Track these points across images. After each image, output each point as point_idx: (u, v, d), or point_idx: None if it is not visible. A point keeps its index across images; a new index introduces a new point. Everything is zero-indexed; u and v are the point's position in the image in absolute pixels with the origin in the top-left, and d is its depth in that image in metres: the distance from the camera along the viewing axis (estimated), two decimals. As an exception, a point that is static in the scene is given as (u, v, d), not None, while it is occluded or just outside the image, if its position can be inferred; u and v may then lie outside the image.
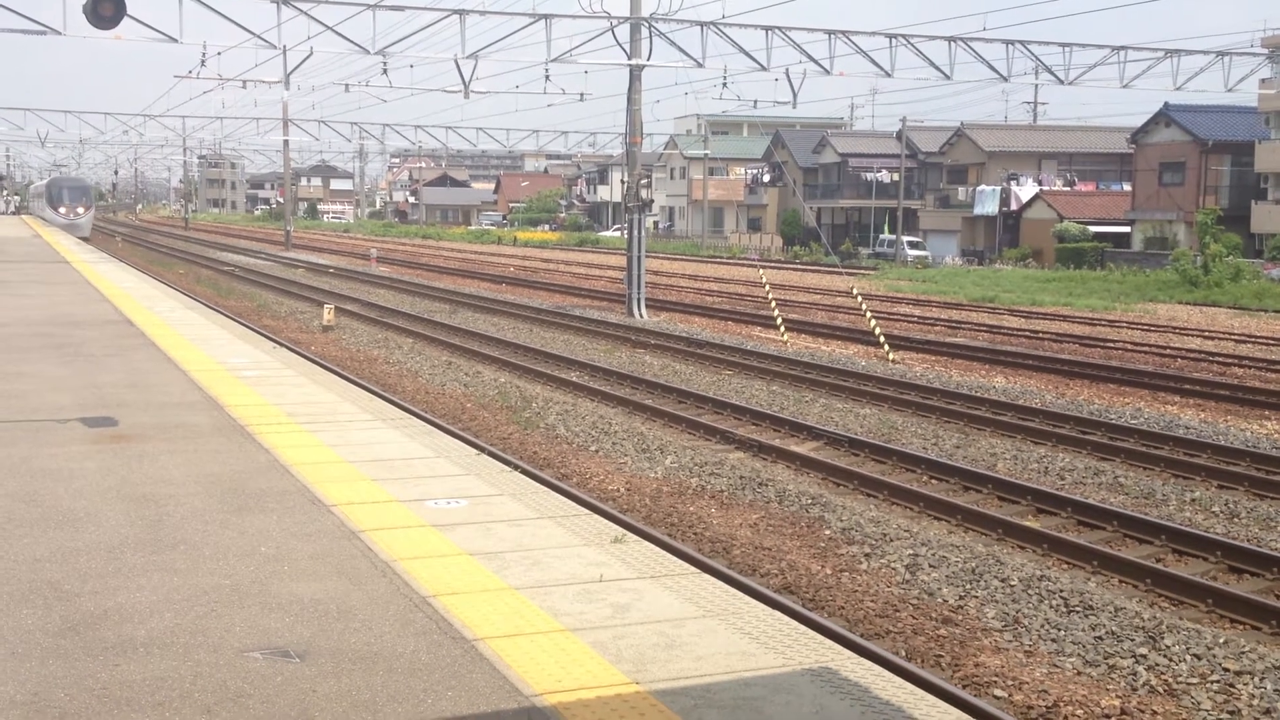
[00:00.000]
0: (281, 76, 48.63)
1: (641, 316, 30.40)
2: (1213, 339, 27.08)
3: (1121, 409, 17.37)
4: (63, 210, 66.41)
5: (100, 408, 9.20)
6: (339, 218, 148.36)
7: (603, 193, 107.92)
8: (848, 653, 4.55)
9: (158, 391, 10.04)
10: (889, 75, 32.93)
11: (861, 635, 8.21)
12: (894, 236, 64.40)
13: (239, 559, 5.48)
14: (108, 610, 4.79)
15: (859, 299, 28.17)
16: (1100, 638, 8.24)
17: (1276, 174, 51.34)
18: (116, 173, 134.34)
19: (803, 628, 4.79)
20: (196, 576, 5.22)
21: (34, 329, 14.31)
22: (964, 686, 7.44)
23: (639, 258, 31.16)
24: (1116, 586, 9.62)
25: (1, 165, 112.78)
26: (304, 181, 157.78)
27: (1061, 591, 9.12)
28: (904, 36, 32.75)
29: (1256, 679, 7.60)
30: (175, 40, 28.04)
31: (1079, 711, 7.13)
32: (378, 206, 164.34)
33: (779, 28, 31.73)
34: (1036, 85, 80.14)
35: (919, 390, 18.45)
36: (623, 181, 32.90)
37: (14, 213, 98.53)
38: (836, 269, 47.95)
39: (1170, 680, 7.57)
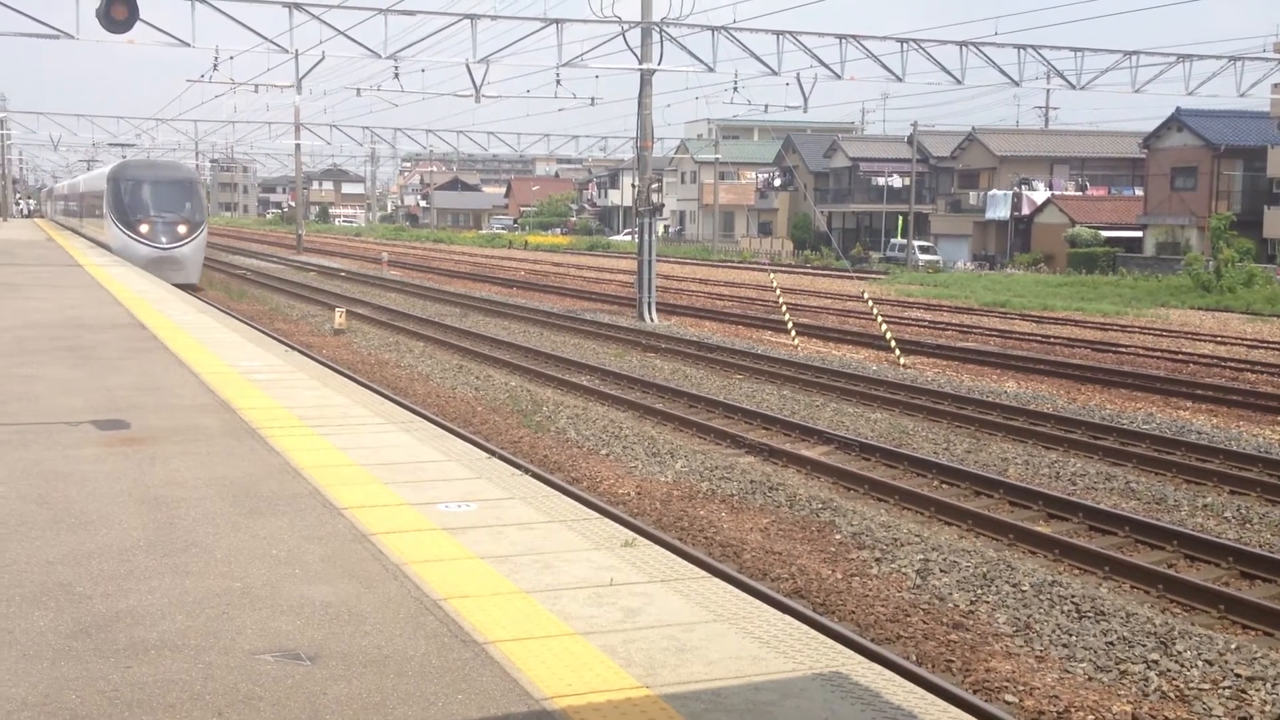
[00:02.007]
0: (293, 81, 48.84)
1: (652, 320, 30.40)
2: (1225, 344, 27.00)
3: (1133, 414, 17.32)
4: (145, 231, 34.83)
5: (112, 410, 9.22)
6: (350, 221, 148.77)
7: (613, 197, 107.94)
8: (858, 657, 4.55)
9: (169, 394, 10.06)
10: (900, 80, 32.92)
11: (872, 640, 8.20)
12: (905, 241, 64.31)
13: (250, 562, 5.49)
14: (119, 612, 4.80)
15: (870, 303, 28.14)
16: (1112, 643, 8.22)
17: (1289, 179, 51.17)
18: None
19: (813, 632, 4.78)
20: (208, 579, 5.23)
21: (46, 332, 14.36)
22: (975, 692, 7.43)
23: (649, 262, 31.17)
24: (1128, 592, 9.60)
25: (15, 169, 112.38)
26: (316, 185, 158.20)
27: (1073, 597, 9.10)
28: (915, 41, 32.73)
29: (1268, 685, 7.57)
30: (188, 44, 28.17)
31: (1090, 717, 7.12)
32: (389, 210, 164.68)
33: (790, 32, 31.74)
34: (1048, 90, 79.96)
35: (930, 395, 18.42)
36: (633, 186, 32.92)
37: (27, 216, 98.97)
38: (847, 273, 47.94)
39: (1182, 686, 7.55)
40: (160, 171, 37.54)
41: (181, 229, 35.09)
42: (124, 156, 50.01)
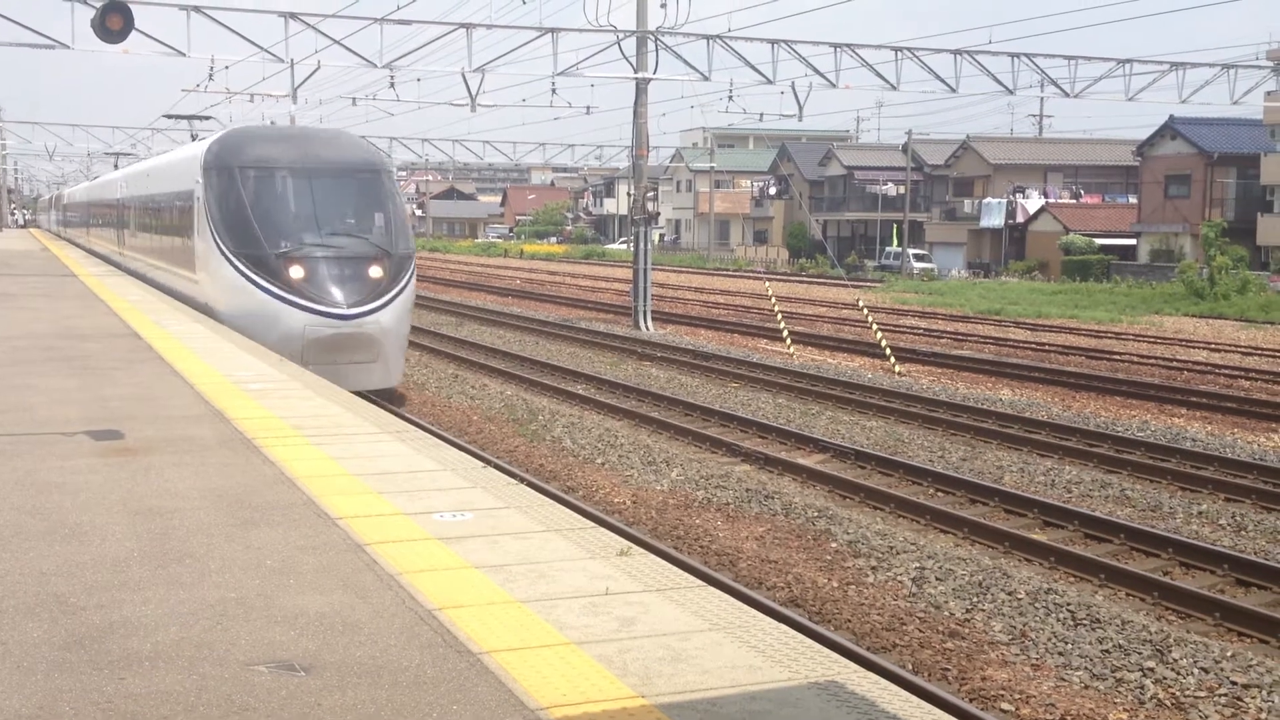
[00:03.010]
0: (289, 90, 48.72)
1: (647, 329, 30.40)
2: (1219, 351, 27.03)
3: (1128, 421, 17.33)
4: (298, 278, 16.06)
5: (107, 421, 9.20)
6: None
7: (609, 205, 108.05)
8: (854, 666, 4.54)
9: (164, 405, 10.04)
10: (895, 88, 32.96)
11: (868, 649, 8.19)
12: (900, 249, 64.39)
13: (245, 572, 5.47)
14: (113, 623, 4.79)
15: (865, 311, 28.15)
16: (1107, 651, 8.22)
17: (1283, 186, 51.27)
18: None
19: (809, 641, 4.78)
20: (202, 590, 5.22)
21: (41, 342, 14.33)
22: (971, 700, 7.42)
23: (645, 270, 31.19)
24: (1124, 599, 9.60)
25: (10, 179, 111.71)
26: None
27: (1069, 604, 9.10)
28: (910, 50, 32.79)
29: (1264, 692, 7.57)
30: (183, 54, 28.13)
31: (1086, 725, 7.11)
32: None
33: (785, 41, 31.78)
34: (1042, 98, 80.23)
35: (925, 403, 18.43)
36: (629, 194, 32.94)
37: (22, 226, 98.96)
38: (842, 281, 47.94)
39: (1178, 693, 7.55)
40: (315, 148, 17.83)
41: (374, 272, 16.78)
42: (195, 136, 29.12)
